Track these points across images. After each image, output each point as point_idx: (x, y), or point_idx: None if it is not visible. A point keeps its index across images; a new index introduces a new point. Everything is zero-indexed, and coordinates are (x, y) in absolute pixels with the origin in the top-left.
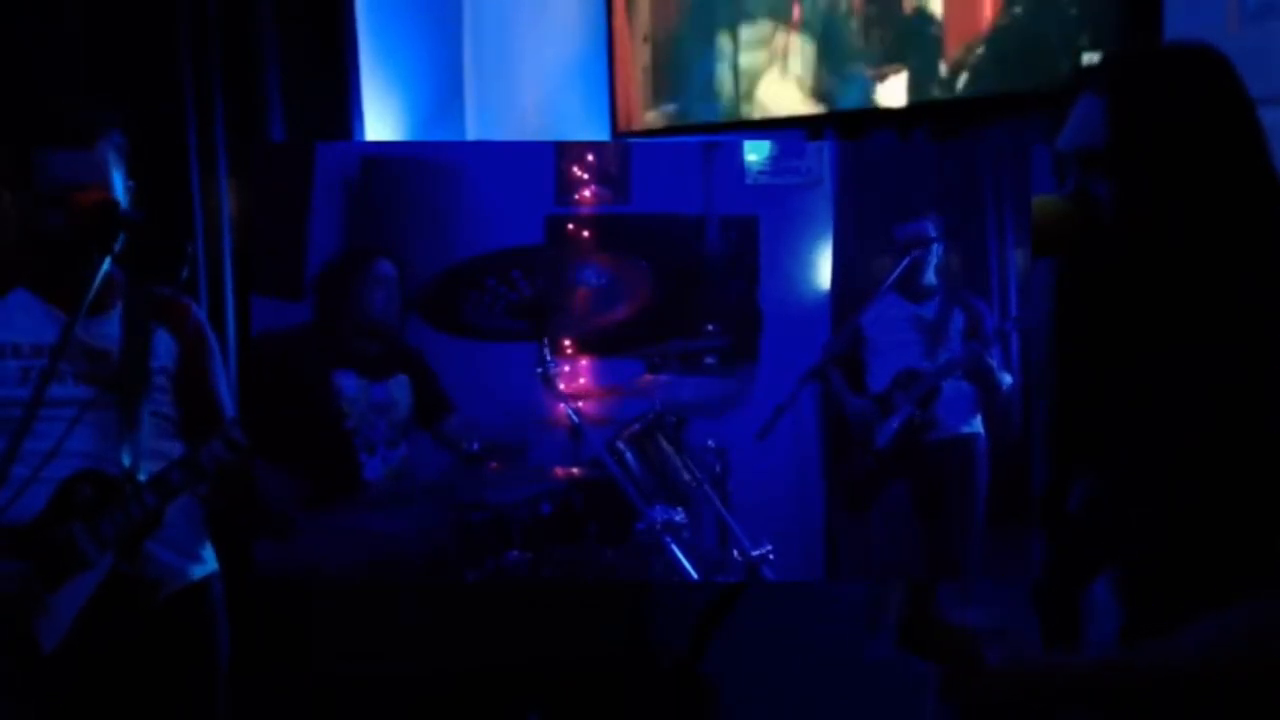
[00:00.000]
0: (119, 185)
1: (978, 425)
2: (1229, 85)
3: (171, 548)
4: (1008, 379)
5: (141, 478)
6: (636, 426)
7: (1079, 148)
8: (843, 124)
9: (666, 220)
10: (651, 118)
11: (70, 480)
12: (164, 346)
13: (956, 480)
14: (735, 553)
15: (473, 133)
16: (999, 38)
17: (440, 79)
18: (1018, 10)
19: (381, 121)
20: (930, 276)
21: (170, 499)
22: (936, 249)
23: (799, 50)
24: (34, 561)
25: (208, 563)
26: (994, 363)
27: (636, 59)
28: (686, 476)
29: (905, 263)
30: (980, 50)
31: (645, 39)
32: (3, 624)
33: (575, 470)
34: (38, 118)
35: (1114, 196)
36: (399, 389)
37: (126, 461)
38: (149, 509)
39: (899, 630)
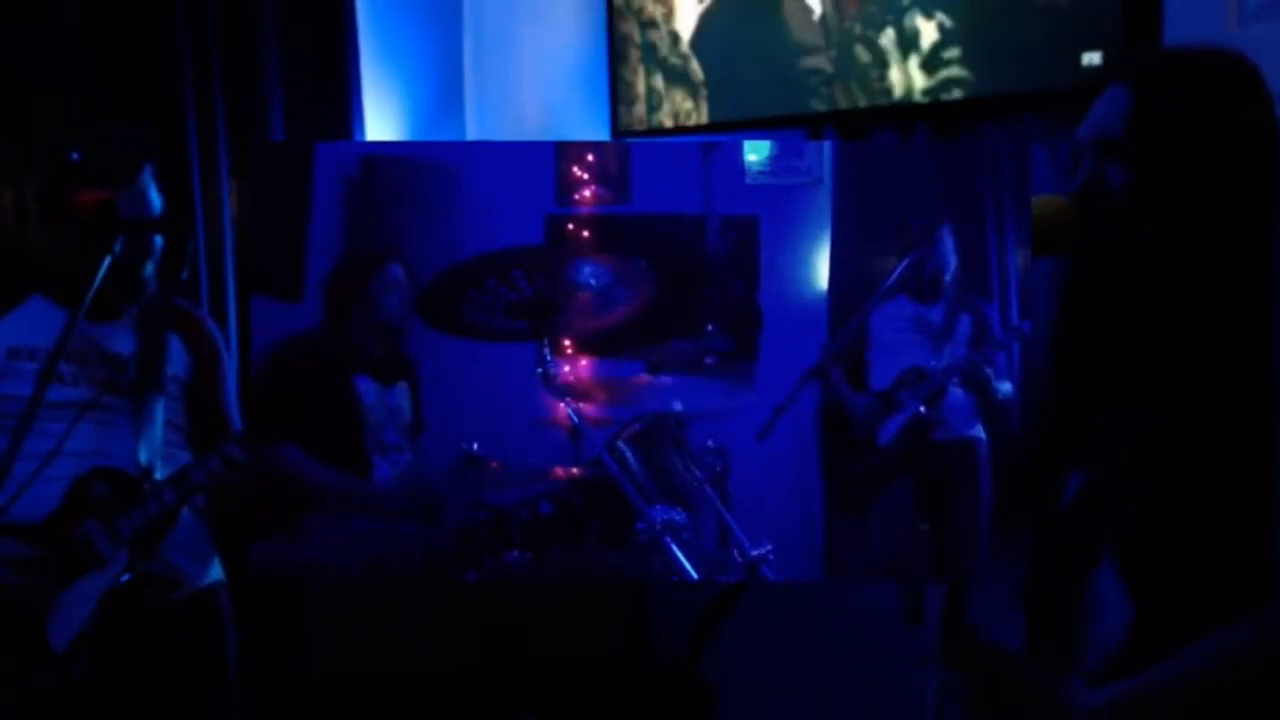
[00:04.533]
0: (157, 209)
1: (981, 430)
2: (1252, 91)
3: (180, 552)
4: (1007, 387)
5: (158, 476)
6: (636, 426)
7: (1098, 135)
8: (843, 124)
9: (666, 220)
10: None
11: (85, 477)
12: (178, 356)
13: (960, 481)
14: (735, 553)
15: (473, 133)
16: (999, 37)
17: (440, 79)
18: (1018, 10)
19: (381, 121)
20: (944, 281)
21: (189, 497)
22: (952, 258)
23: None
24: (47, 559)
25: (214, 570)
26: (991, 372)
27: None
28: (686, 476)
29: (905, 262)
30: (980, 49)
31: None
32: (14, 622)
33: (575, 470)
34: (80, 154)
35: (1128, 186)
36: (402, 395)
37: (144, 459)
38: (167, 506)
39: (942, 647)
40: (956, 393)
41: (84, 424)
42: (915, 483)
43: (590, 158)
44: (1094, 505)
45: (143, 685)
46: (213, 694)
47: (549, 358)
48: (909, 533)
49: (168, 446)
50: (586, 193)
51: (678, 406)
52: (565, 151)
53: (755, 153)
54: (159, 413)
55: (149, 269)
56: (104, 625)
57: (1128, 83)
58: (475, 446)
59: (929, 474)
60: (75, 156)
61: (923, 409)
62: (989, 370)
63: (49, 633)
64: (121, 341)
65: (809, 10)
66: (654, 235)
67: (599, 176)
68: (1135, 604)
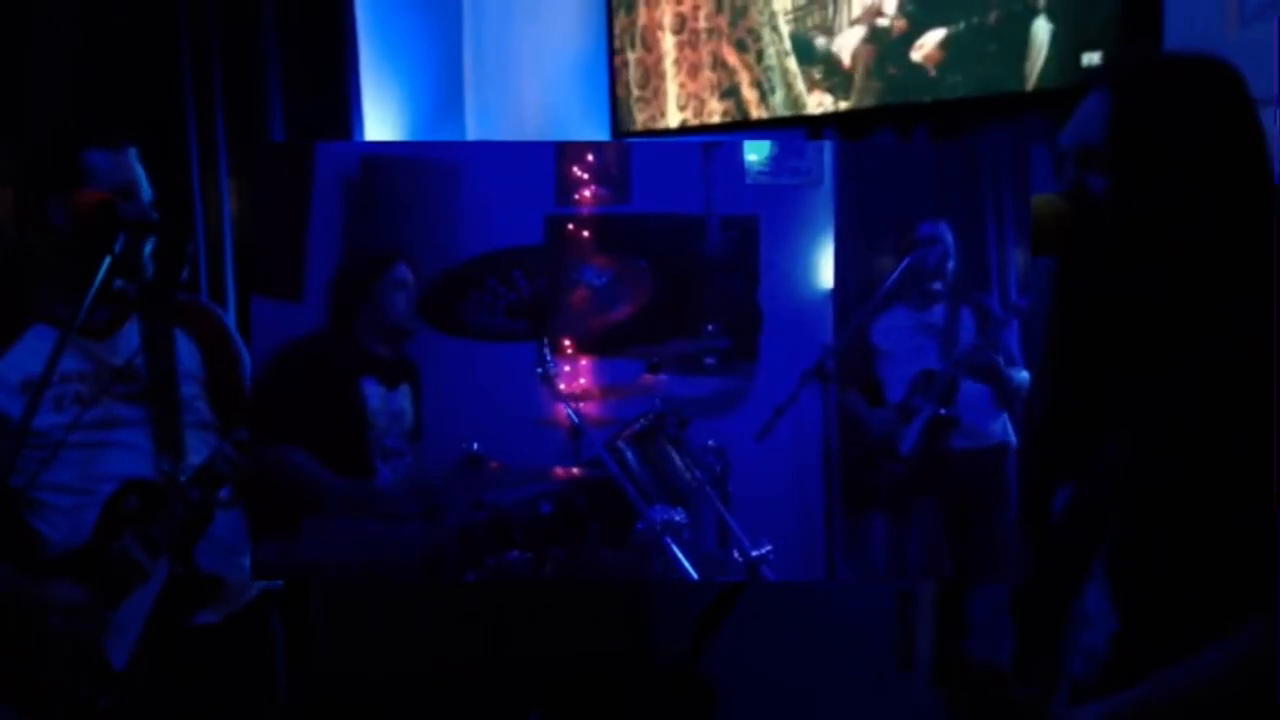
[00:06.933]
0: (145, 187)
1: (1007, 432)
2: (1233, 96)
3: (219, 555)
4: (1023, 375)
5: (184, 479)
6: (637, 426)
7: (1078, 143)
8: (843, 124)
9: (666, 220)
10: None
11: (116, 495)
12: (187, 352)
13: (988, 491)
14: (735, 553)
15: (473, 133)
16: (999, 37)
17: (440, 79)
18: (1018, 10)
19: (381, 121)
20: (937, 284)
21: (214, 491)
22: (950, 255)
23: None
24: (93, 582)
25: (259, 582)
26: (999, 358)
27: None
28: (687, 476)
29: (905, 264)
30: (980, 49)
31: None
32: (73, 650)
33: (575, 470)
34: (78, 120)
35: (1109, 193)
36: (405, 398)
37: (168, 464)
38: (194, 503)
39: (934, 669)
40: (971, 387)
41: (109, 444)
42: (944, 497)
43: (590, 158)
44: (1086, 515)
45: (199, 703)
46: (262, 709)
47: (549, 358)
48: (911, 534)
49: (202, 448)
50: (586, 193)
51: (677, 406)
52: (565, 151)
53: (755, 153)
54: (180, 416)
55: (145, 249)
56: (160, 634)
57: (1107, 89)
58: (475, 446)
59: (957, 487)
60: (84, 121)
61: (942, 411)
62: (996, 356)
63: (108, 653)
64: (129, 353)
65: None
66: (654, 235)
67: (599, 176)
68: (1122, 615)
